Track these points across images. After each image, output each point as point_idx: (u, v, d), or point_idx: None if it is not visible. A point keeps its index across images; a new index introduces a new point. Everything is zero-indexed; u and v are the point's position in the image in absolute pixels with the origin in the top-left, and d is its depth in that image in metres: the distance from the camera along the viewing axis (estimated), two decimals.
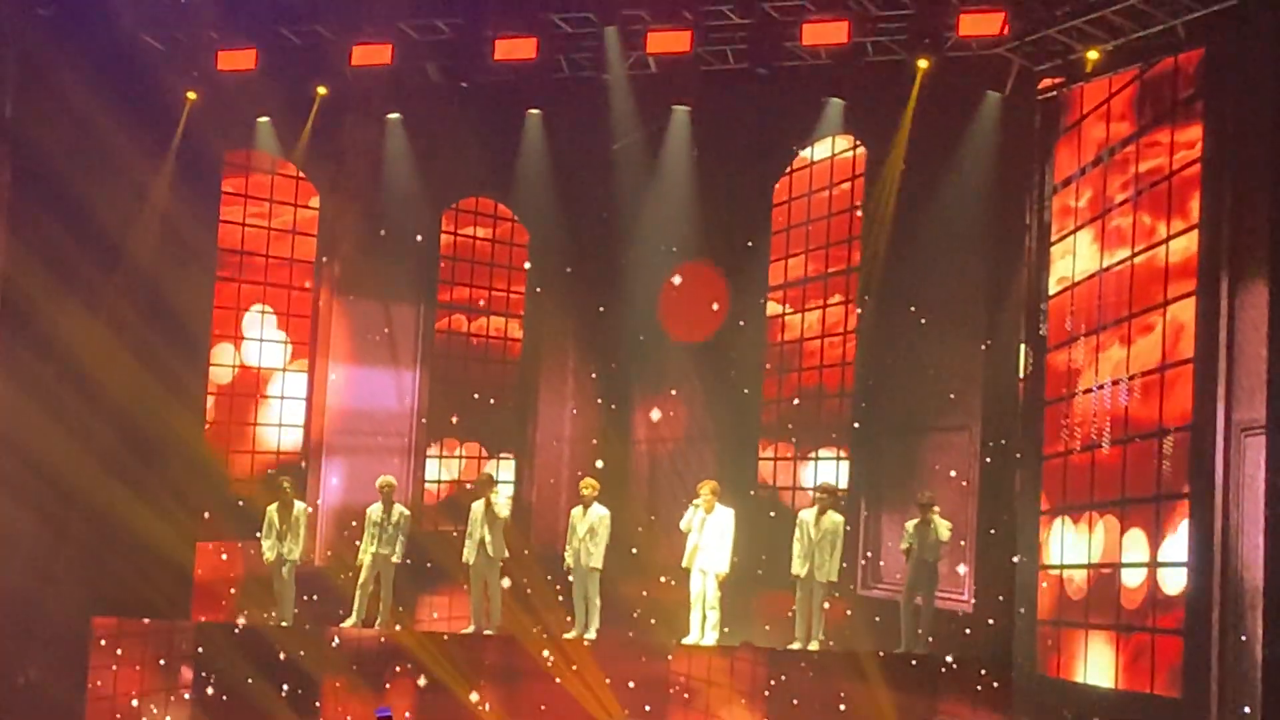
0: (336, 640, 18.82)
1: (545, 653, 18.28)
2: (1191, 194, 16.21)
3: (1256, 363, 15.22)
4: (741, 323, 21.13)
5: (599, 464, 19.86)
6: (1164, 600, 16.22)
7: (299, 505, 19.60)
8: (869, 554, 19.89)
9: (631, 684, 17.96)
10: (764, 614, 19.56)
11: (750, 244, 21.11)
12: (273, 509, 19.42)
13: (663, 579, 19.77)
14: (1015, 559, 18.17)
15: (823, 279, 20.92)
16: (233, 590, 20.69)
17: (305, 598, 19.82)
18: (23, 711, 18.93)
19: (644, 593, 19.96)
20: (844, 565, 18.37)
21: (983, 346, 19.01)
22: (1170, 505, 16.22)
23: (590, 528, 18.57)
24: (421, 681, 18.44)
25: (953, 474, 19.26)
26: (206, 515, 20.52)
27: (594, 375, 22.21)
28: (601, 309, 21.62)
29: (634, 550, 19.96)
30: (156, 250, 19.72)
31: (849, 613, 19.41)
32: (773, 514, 20.50)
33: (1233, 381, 15.48)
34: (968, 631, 18.56)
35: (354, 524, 20.14)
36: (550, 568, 20.07)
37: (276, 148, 20.92)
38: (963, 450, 19.23)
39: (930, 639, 18.03)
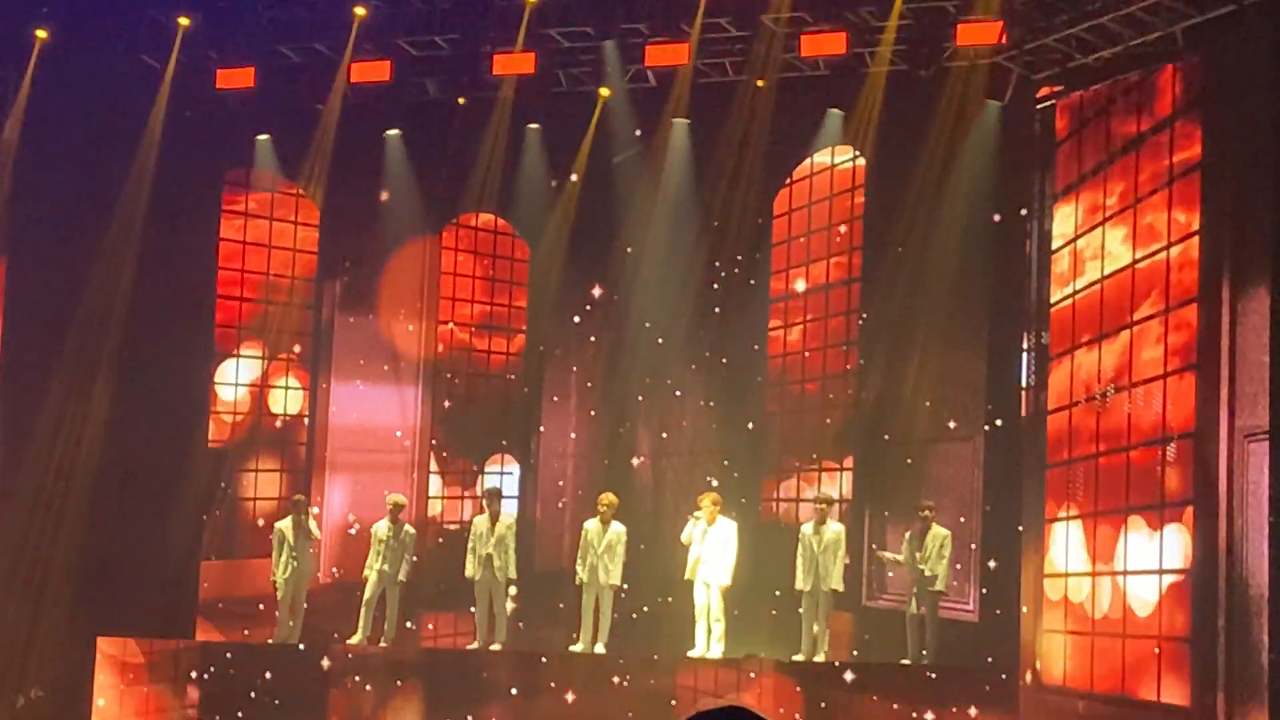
0: (343, 657, 18.78)
1: (551, 667, 18.26)
2: (1192, 200, 16.22)
3: (1259, 368, 15.21)
4: (743, 335, 21.10)
5: (612, 496, 19.49)
6: (1169, 607, 16.19)
7: (312, 523, 19.56)
8: (873, 564, 19.84)
9: (638, 698, 17.93)
10: (770, 626, 19.52)
11: (755, 255, 21.07)
12: (284, 526, 19.32)
13: (660, 598, 19.83)
14: (1018, 567, 18.16)
15: (824, 290, 20.90)
16: (239, 608, 20.67)
17: (311, 615, 19.77)
18: None
19: (647, 607, 19.95)
20: (847, 563, 18.35)
21: (984, 354, 19.04)
22: (1174, 512, 16.20)
23: (609, 544, 18.49)
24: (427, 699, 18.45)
25: (956, 483, 19.24)
26: (210, 534, 20.54)
27: (596, 390, 22.19)
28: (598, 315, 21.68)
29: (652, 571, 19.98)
30: (157, 268, 19.70)
31: (854, 623, 19.39)
32: (778, 525, 20.48)
33: (1235, 387, 15.47)
34: (972, 641, 18.54)
35: (354, 542, 20.14)
36: (554, 583, 20.06)
37: (276, 165, 20.91)
38: (967, 460, 19.20)
39: (936, 649, 17.98)
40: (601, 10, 18.77)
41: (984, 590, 18.70)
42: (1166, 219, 16.56)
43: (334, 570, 21.12)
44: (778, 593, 19.35)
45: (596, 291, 21.68)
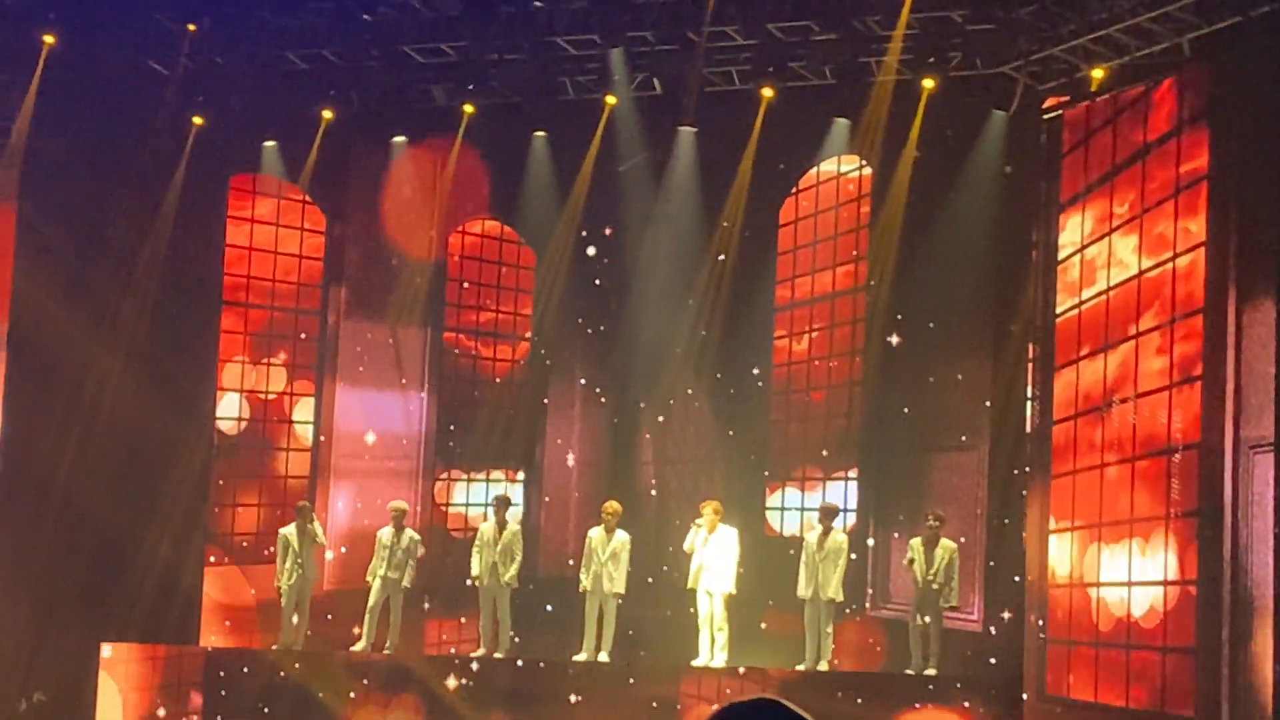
0: (347, 664, 18.79)
1: (555, 675, 18.24)
2: (1198, 211, 16.19)
3: (1264, 380, 15.18)
4: (748, 343, 21.10)
5: (616, 504, 19.37)
6: (1174, 619, 16.17)
7: (317, 529, 19.56)
8: (877, 574, 19.84)
9: (642, 706, 17.92)
10: (773, 635, 19.52)
11: (760, 264, 21.07)
12: (289, 532, 19.34)
13: (650, 592, 19.85)
14: (1022, 578, 18.14)
15: (829, 299, 20.90)
16: (243, 614, 20.66)
17: (315, 621, 19.78)
18: None
19: (652, 613, 19.96)
20: (850, 569, 18.33)
21: (989, 365, 19.02)
22: (1179, 523, 16.18)
23: (613, 552, 18.48)
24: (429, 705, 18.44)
25: (961, 493, 19.24)
26: (214, 538, 20.54)
27: (601, 397, 22.21)
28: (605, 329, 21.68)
29: (649, 580, 19.95)
30: (164, 274, 19.71)
31: (858, 633, 19.38)
32: (781, 534, 20.48)
33: (1241, 399, 15.44)
34: (976, 652, 18.53)
35: (359, 548, 20.13)
36: (558, 590, 20.05)
37: (283, 172, 20.91)
38: (971, 469, 19.20)
39: (939, 659, 17.98)
40: (608, 18, 18.75)
41: (988, 600, 18.69)
42: (1173, 230, 16.54)
43: (340, 548, 21.07)
44: (770, 602, 19.36)
45: (601, 300, 21.67)
